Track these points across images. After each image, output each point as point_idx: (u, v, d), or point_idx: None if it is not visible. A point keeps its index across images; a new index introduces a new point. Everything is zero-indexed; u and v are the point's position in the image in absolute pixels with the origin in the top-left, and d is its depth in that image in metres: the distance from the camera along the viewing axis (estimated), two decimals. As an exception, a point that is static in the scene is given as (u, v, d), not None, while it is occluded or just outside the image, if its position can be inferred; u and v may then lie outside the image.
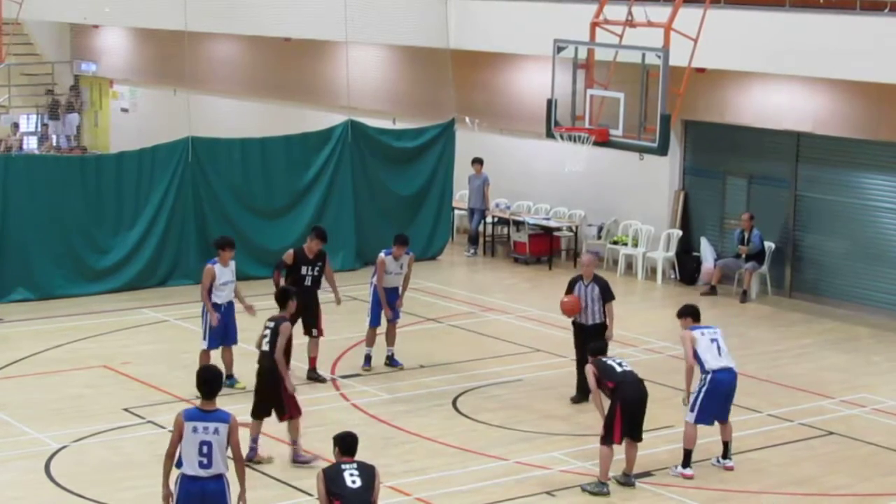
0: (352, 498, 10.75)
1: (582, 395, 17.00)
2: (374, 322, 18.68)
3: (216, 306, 17.18)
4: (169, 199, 23.62)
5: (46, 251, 22.51)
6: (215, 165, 24.10)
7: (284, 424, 14.94)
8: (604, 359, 14.69)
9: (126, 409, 16.76)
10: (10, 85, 37.72)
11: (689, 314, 15.32)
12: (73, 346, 19.86)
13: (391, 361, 18.82)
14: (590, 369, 14.54)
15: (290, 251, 18.16)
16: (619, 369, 14.48)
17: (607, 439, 14.31)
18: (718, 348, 14.97)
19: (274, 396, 14.70)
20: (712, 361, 14.85)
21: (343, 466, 10.91)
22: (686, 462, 14.84)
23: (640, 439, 14.49)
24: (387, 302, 18.48)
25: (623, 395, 14.28)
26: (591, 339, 16.34)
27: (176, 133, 24.43)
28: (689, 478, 14.73)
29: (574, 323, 17.37)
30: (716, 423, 15.08)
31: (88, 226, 22.98)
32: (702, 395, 14.79)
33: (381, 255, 18.55)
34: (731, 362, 15.03)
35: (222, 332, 17.30)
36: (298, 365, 18.39)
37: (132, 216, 23.43)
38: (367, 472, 10.94)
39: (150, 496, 13.69)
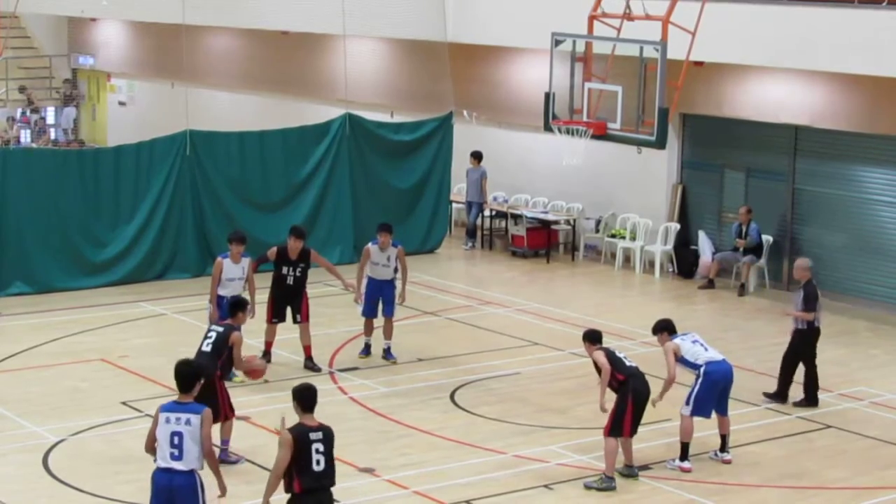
0: (313, 482, 10.75)
1: (780, 399, 17.15)
2: (366, 312, 18.68)
3: (220, 298, 17.14)
4: (167, 192, 23.61)
5: (44, 245, 22.49)
6: (213, 159, 24.08)
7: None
8: (620, 357, 14.57)
9: (124, 403, 16.76)
10: (7, 79, 37.68)
11: (665, 329, 15.20)
12: (70, 339, 19.85)
13: (386, 355, 18.84)
14: (600, 356, 14.41)
15: (275, 248, 18.22)
16: (627, 363, 14.47)
17: (616, 431, 14.23)
18: (702, 345, 15.00)
19: (209, 398, 14.37)
20: (703, 355, 14.86)
21: (311, 437, 10.79)
22: (684, 455, 14.84)
23: (636, 432, 14.51)
24: (359, 291, 18.46)
25: (634, 388, 14.25)
26: (799, 345, 16.95)
27: (174, 126, 24.40)
28: (688, 471, 14.74)
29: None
30: (714, 415, 15.06)
31: (86, 219, 22.96)
32: (697, 388, 14.79)
33: (368, 244, 18.64)
34: (721, 355, 15.05)
35: None
36: (294, 357, 18.44)
37: (130, 210, 23.42)
38: (330, 443, 10.89)
39: (148, 489, 13.68)
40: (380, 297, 18.61)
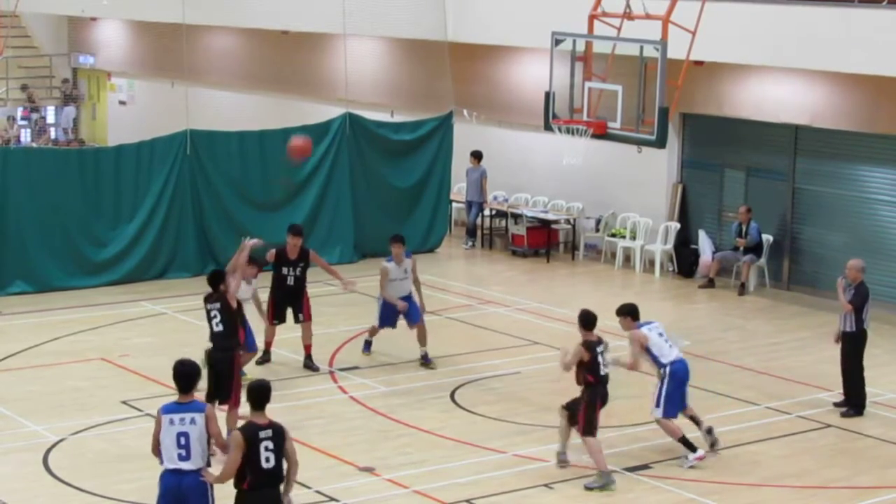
0: (260, 478, 10.77)
1: (855, 409, 17.01)
2: (384, 324, 18.60)
3: None
4: (167, 191, 23.63)
5: (45, 244, 22.51)
6: (213, 158, 24.09)
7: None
8: (598, 350, 14.50)
9: (124, 402, 16.77)
10: (7, 77, 37.69)
11: (629, 313, 15.17)
12: (71, 338, 19.87)
13: (425, 360, 18.57)
14: (580, 349, 14.34)
15: (273, 250, 18.10)
16: (601, 371, 14.43)
17: (591, 430, 14.29)
18: (666, 341, 15.03)
19: (225, 378, 14.52)
20: (668, 354, 14.91)
21: (260, 435, 10.80)
22: (689, 447, 14.86)
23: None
24: (395, 299, 18.28)
25: (602, 395, 14.40)
26: (848, 347, 16.93)
27: (174, 126, 24.41)
28: (702, 458, 14.78)
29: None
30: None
31: (87, 219, 22.98)
32: (664, 388, 14.86)
33: (383, 263, 18.38)
34: (680, 351, 15.12)
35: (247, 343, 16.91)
36: (293, 357, 18.44)
37: (130, 209, 23.43)
38: (280, 442, 10.87)
39: (148, 488, 13.67)
40: (398, 313, 18.42)
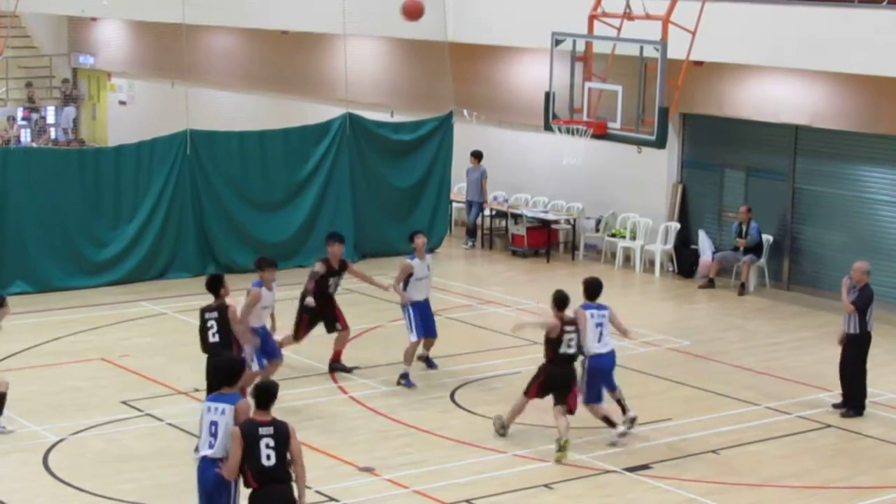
0: (263, 475, 10.80)
1: (855, 410, 16.94)
2: (424, 332, 17.76)
3: (254, 329, 16.18)
4: (167, 192, 23.62)
5: (45, 244, 22.51)
6: (213, 158, 24.09)
7: None
8: (568, 329, 15.00)
9: (124, 402, 16.76)
10: (7, 78, 37.69)
11: (583, 290, 15.63)
12: (71, 338, 19.86)
13: (430, 363, 18.38)
14: (555, 321, 15.01)
15: (320, 262, 17.80)
16: (563, 349, 15.02)
17: (526, 391, 15.38)
18: (601, 334, 15.36)
19: None
20: (592, 347, 15.31)
21: (260, 432, 10.82)
22: (611, 424, 15.42)
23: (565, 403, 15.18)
24: (403, 294, 17.59)
25: (553, 374, 15.12)
26: (851, 349, 16.88)
27: (174, 126, 24.40)
28: (624, 435, 15.39)
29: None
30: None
31: (87, 219, 22.98)
32: (584, 377, 15.36)
33: (406, 261, 17.73)
34: (611, 344, 15.50)
35: (269, 350, 16.66)
36: (293, 357, 18.42)
37: (130, 209, 23.43)
38: (282, 440, 10.86)
39: (148, 488, 13.73)
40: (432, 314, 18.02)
